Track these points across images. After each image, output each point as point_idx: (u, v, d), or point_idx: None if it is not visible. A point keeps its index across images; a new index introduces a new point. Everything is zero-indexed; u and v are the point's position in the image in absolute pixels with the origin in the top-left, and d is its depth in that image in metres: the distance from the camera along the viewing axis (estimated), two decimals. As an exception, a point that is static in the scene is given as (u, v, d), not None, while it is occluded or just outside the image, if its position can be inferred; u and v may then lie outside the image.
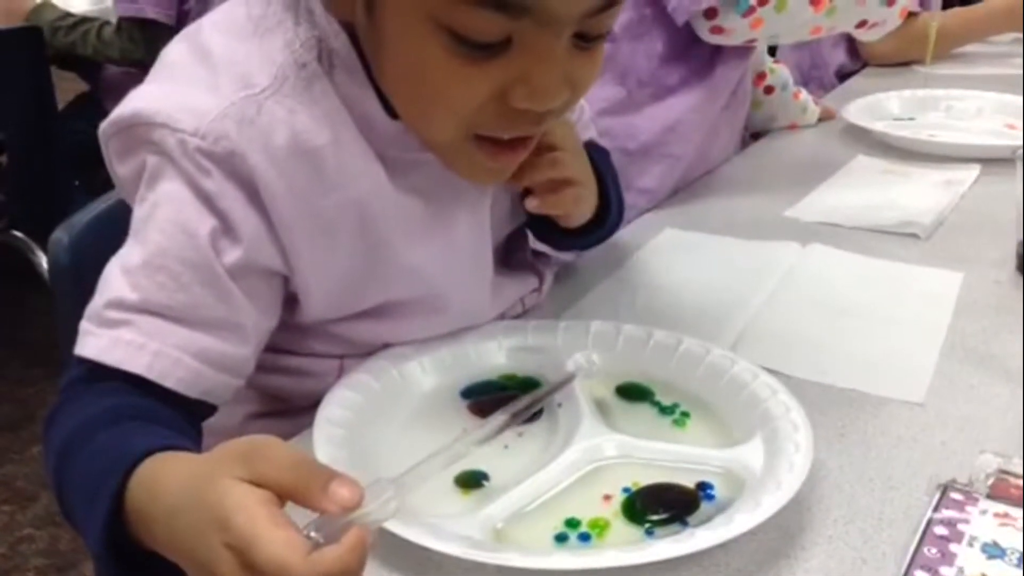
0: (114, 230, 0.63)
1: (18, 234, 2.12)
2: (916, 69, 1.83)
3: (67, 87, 2.31)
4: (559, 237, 0.81)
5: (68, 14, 2.14)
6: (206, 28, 0.64)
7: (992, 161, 1.23)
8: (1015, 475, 0.60)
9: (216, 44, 0.62)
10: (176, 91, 0.61)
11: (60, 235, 0.81)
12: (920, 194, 1.14)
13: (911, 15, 1.70)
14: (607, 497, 0.59)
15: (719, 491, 0.59)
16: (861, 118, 1.40)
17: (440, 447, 0.55)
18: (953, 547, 0.54)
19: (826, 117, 1.50)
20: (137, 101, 0.61)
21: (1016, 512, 0.57)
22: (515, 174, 0.70)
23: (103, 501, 0.49)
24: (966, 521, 0.56)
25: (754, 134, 1.47)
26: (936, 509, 0.57)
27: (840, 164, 1.27)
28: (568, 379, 0.68)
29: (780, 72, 1.42)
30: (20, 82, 1.97)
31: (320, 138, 0.61)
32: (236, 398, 0.65)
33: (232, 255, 0.60)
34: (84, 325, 0.60)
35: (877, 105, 1.50)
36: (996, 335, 0.80)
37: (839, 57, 1.94)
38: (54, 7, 2.15)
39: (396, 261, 0.68)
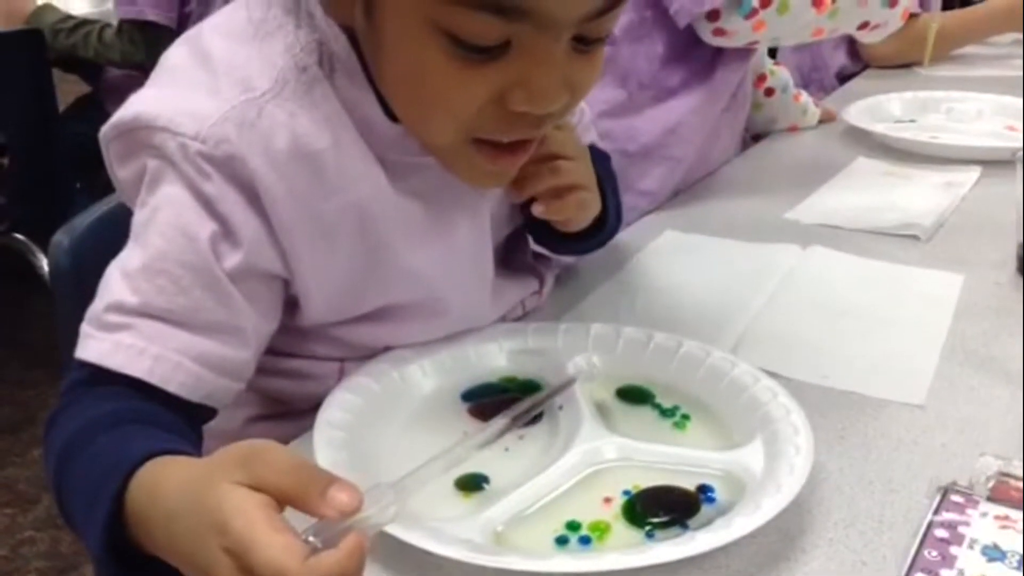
0: (115, 233, 0.63)
1: (19, 236, 2.12)
2: (917, 71, 1.83)
3: (68, 89, 2.31)
4: (558, 242, 0.81)
5: (69, 16, 2.14)
6: (206, 32, 0.64)
7: (992, 163, 1.23)
8: (1015, 477, 0.60)
9: (216, 48, 0.62)
10: (177, 95, 0.61)
11: (61, 237, 0.81)
12: (920, 196, 1.14)
13: (912, 17, 1.70)
14: (607, 500, 0.59)
15: (719, 494, 0.59)
16: (862, 120, 1.40)
17: (440, 451, 0.56)
18: (953, 550, 0.54)
19: (827, 119, 1.50)
20: (138, 105, 0.61)
21: (1016, 515, 0.57)
22: (518, 184, 0.71)
23: (103, 504, 0.49)
24: (966, 524, 0.56)
25: (755, 136, 1.47)
26: (936, 512, 0.57)
27: (840, 166, 1.27)
28: (569, 382, 0.68)
29: (780, 74, 1.42)
30: (21, 84, 1.97)
31: (320, 142, 0.61)
32: (237, 401, 0.65)
33: (232, 259, 0.60)
34: (85, 328, 0.60)
35: (878, 107, 1.50)
36: (996, 337, 0.80)
37: (840, 59, 1.94)
38: (55, 9, 2.15)
39: (396, 264, 0.68)
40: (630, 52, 1.13)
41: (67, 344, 0.61)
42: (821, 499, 0.60)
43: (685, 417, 0.68)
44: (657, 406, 0.69)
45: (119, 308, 0.59)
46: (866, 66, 1.95)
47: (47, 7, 2.16)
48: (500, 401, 0.68)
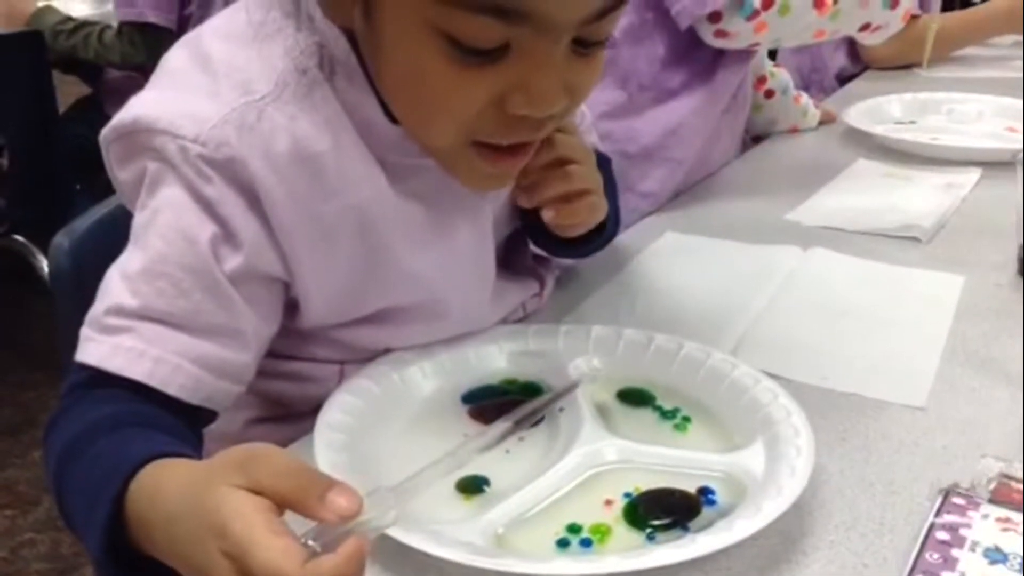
0: (115, 235, 0.63)
1: (19, 238, 2.13)
2: (917, 72, 1.83)
3: (69, 91, 2.32)
4: (556, 246, 0.81)
5: (69, 18, 2.14)
6: (206, 34, 0.64)
7: (993, 164, 1.23)
8: (1016, 479, 0.60)
9: (217, 50, 0.62)
10: (177, 97, 0.61)
11: (61, 239, 0.81)
12: (921, 197, 1.14)
13: (912, 18, 1.70)
14: (608, 502, 0.59)
15: (720, 496, 0.59)
16: (862, 122, 1.40)
17: (442, 455, 0.56)
18: (955, 552, 0.54)
19: (827, 120, 1.50)
20: (138, 107, 0.61)
21: (1018, 517, 0.57)
22: (528, 192, 0.71)
23: (103, 506, 0.49)
24: (968, 526, 0.56)
25: (755, 138, 1.47)
26: (938, 514, 0.57)
27: (841, 168, 1.27)
28: (572, 386, 0.68)
29: (780, 76, 1.42)
30: (21, 86, 1.97)
31: (320, 144, 0.61)
32: (237, 404, 0.65)
33: (232, 261, 0.60)
34: (85, 331, 0.60)
35: (878, 108, 1.50)
36: (997, 339, 0.80)
37: (839, 60, 1.94)
38: (55, 11, 2.16)
39: (397, 266, 0.67)
40: (631, 54, 1.13)
41: (67, 346, 0.61)
42: (822, 501, 0.60)
43: (686, 419, 0.68)
44: (658, 408, 0.69)
45: (119, 311, 0.59)
46: (866, 67, 1.95)
47: (47, 9, 2.16)
48: (501, 403, 0.68)
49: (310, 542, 0.42)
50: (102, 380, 0.58)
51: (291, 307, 0.67)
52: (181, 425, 0.59)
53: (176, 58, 0.64)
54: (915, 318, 0.84)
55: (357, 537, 0.42)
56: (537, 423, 0.66)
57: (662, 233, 1.06)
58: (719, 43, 1.11)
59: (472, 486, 0.61)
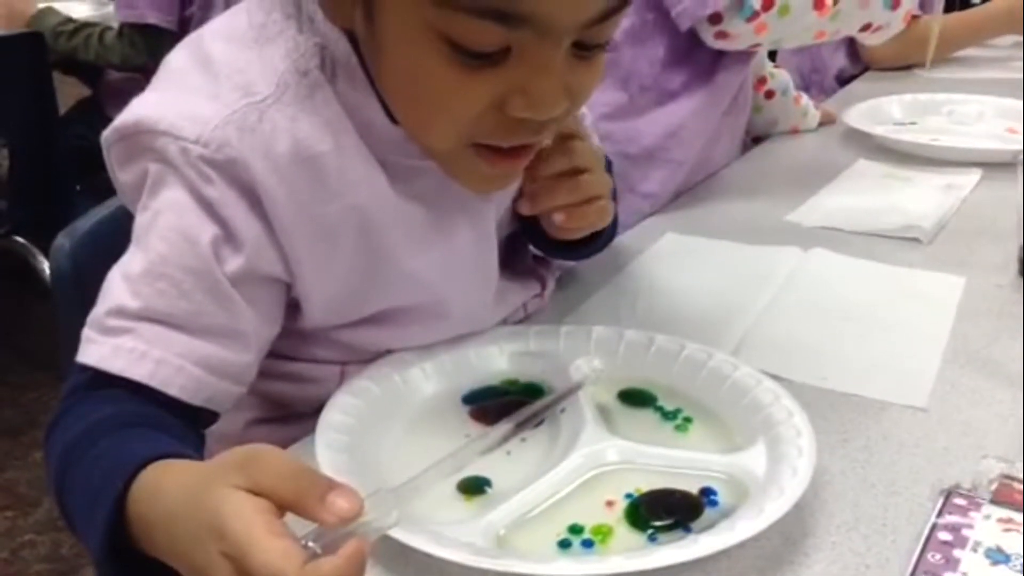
0: (116, 236, 0.63)
1: (20, 239, 2.12)
2: (917, 73, 1.83)
3: (69, 92, 2.32)
4: (555, 248, 0.81)
5: (70, 19, 2.14)
6: (208, 36, 0.64)
7: (993, 165, 1.23)
8: (1018, 480, 0.60)
9: (218, 52, 0.62)
10: (178, 99, 0.61)
11: (62, 241, 0.81)
12: (921, 198, 1.14)
13: (913, 18, 1.70)
14: (610, 503, 0.59)
15: (722, 496, 0.59)
16: (862, 122, 1.40)
17: (443, 456, 0.55)
18: (957, 552, 0.54)
19: (827, 121, 1.50)
20: (139, 109, 0.61)
21: (1019, 517, 0.57)
22: (533, 198, 0.72)
23: (104, 507, 0.49)
24: (970, 526, 0.56)
25: (755, 138, 1.47)
26: (939, 514, 0.57)
27: (841, 168, 1.27)
28: (574, 388, 0.67)
29: (780, 76, 1.42)
30: (22, 87, 1.97)
31: (322, 145, 0.61)
32: (238, 404, 0.65)
33: (234, 263, 0.60)
34: (86, 332, 0.60)
35: (878, 109, 1.49)
36: (998, 339, 0.80)
37: (839, 61, 1.94)
38: (56, 12, 2.16)
39: (397, 267, 0.67)
40: (631, 55, 1.13)
41: (68, 347, 0.61)
42: (824, 502, 0.60)
43: (687, 420, 0.68)
44: (659, 409, 0.69)
45: (120, 312, 0.59)
46: (866, 68, 1.95)
47: (48, 10, 2.16)
48: (502, 404, 0.68)
49: (310, 543, 0.42)
50: (103, 381, 0.58)
51: (292, 308, 0.67)
52: (182, 426, 0.59)
53: (177, 60, 0.64)
54: (916, 319, 0.84)
55: (358, 539, 0.42)
56: (538, 424, 0.66)
57: (663, 234, 1.06)
58: (719, 44, 1.11)
59: (474, 487, 0.61)
